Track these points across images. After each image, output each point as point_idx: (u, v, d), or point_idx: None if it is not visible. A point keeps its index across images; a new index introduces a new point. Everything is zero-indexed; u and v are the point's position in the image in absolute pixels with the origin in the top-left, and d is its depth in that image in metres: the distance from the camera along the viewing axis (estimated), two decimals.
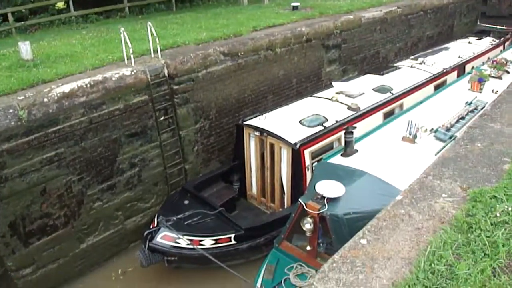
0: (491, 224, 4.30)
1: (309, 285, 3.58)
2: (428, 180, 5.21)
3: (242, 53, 11.97)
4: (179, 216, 9.41)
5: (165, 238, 8.95)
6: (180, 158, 11.15)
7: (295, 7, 16.37)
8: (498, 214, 4.44)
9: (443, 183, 5.15)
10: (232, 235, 9.21)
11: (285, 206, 10.27)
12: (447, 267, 3.73)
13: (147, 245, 8.83)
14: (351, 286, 3.54)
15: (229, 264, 8.80)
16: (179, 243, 8.93)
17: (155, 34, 10.19)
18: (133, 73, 9.71)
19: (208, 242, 9.08)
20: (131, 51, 9.91)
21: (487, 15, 24.07)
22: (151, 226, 9.38)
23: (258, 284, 7.59)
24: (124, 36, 9.73)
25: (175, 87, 10.58)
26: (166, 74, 10.35)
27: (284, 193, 10.31)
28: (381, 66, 16.21)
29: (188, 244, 8.90)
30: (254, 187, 11.08)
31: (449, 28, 20.97)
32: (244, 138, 10.70)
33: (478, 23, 23.51)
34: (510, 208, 4.52)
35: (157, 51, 10.49)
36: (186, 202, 10.07)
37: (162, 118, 10.48)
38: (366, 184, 7.45)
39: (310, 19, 15.09)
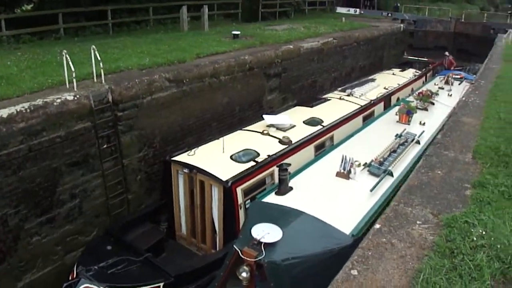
0: (471, 248, 4.41)
1: None
2: (400, 208, 5.28)
3: (187, 80, 11.78)
4: (101, 265, 8.43)
5: None
6: (123, 188, 10.58)
7: (236, 36, 16.51)
8: (474, 239, 4.56)
9: (415, 210, 5.25)
10: (161, 284, 8.36)
11: (217, 247, 9.68)
12: None
13: None
14: None
15: None
16: None
17: (99, 58, 9.74)
18: (75, 98, 9.17)
19: None
20: (73, 75, 9.38)
21: (414, 47, 25.74)
22: (70, 278, 8.47)
23: None
24: (66, 58, 9.20)
25: (119, 114, 10.12)
26: (110, 99, 9.88)
27: (215, 233, 9.68)
28: (318, 94, 16.49)
29: None
30: (183, 227, 10.37)
31: (379, 59, 22.08)
32: (172, 175, 10.06)
33: (405, 54, 24.97)
34: (484, 232, 4.68)
35: (101, 76, 10.02)
36: (109, 247, 9.11)
37: (105, 146, 9.93)
38: (304, 225, 7.09)
39: (251, 48, 15.26)
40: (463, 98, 10.47)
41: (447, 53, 21.94)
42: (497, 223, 4.93)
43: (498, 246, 4.44)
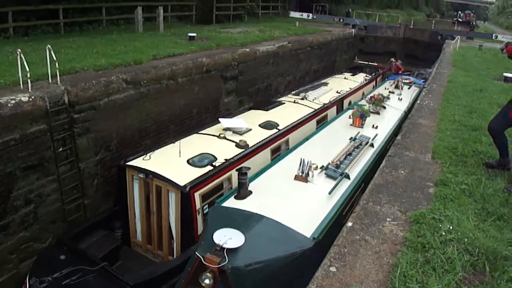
0: (441, 243, 4.60)
1: None
2: (369, 206, 5.42)
3: (145, 81, 11.59)
4: (55, 276, 8.05)
5: None
6: (79, 192, 10.26)
7: (192, 37, 16.40)
8: (443, 233, 4.76)
9: (383, 208, 5.41)
10: None
11: (174, 254, 9.44)
12: (419, 284, 3.89)
13: None
14: None
15: None
16: None
17: (54, 58, 9.41)
18: (30, 99, 8.81)
19: None
20: (28, 75, 9.01)
21: (364, 52, 26.42)
22: None
23: None
24: (21, 58, 8.83)
25: (75, 116, 9.81)
26: (66, 101, 9.57)
27: (172, 239, 9.45)
28: (273, 97, 16.62)
29: None
30: (139, 233, 10.07)
31: (332, 63, 22.53)
32: (127, 181, 9.72)
33: (356, 59, 25.56)
34: (451, 227, 4.89)
35: (56, 76, 9.68)
36: (62, 257, 8.65)
37: (60, 149, 9.58)
38: (265, 229, 6.92)
39: (208, 50, 15.21)
40: (418, 101, 10.84)
41: (393, 59, 22.52)
42: (462, 218, 5.16)
43: (465, 240, 4.66)
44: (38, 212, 9.35)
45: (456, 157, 7.09)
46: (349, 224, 4.98)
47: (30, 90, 9.07)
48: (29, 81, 9.08)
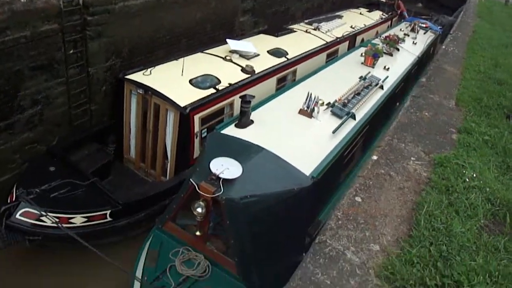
0: (464, 188, 4.63)
1: (323, 242, 3.41)
2: (394, 142, 5.38)
3: None
4: (43, 188, 7.83)
5: (26, 215, 7.42)
6: (87, 98, 10.03)
7: None
8: (467, 180, 4.76)
9: (408, 146, 5.38)
10: (108, 211, 7.95)
11: (168, 175, 9.28)
12: (444, 225, 3.92)
13: (3, 224, 7.33)
14: (362, 243, 3.56)
15: (104, 242, 7.83)
16: (43, 221, 7.45)
17: None
18: None
19: (78, 220, 7.73)
20: None
21: None
22: (8, 200, 7.72)
23: (139, 273, 6.43)
24: None
25: (88, 18, 9.40)
26: (81, 2, 9.13)
27: (167, 159, 9.25)
28: (289, 22, 16.03)
29: (54, 223, 7.37)
30: (132, 150, 9.90)
31: None
32: (125, 95, 9.42)
33: None
34: (474, 175, 4.88)
35: None
36: (52, 169, 8.44)
37: (71, 51, 9.25)
38: (264, 162, 6.69)
39: None
40: (443, 47, 10.52)
41: None
42: (483, 168, 5.15)
43: (487, 189, 4.67)
44: (44, 114, 9.21)
45: (480, 107, 7.01)
46: (374, 157, 4.95)
47: None
48: None
